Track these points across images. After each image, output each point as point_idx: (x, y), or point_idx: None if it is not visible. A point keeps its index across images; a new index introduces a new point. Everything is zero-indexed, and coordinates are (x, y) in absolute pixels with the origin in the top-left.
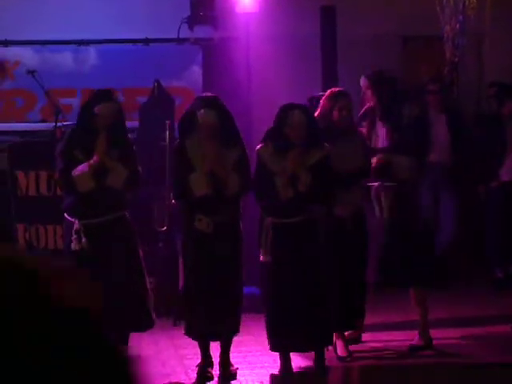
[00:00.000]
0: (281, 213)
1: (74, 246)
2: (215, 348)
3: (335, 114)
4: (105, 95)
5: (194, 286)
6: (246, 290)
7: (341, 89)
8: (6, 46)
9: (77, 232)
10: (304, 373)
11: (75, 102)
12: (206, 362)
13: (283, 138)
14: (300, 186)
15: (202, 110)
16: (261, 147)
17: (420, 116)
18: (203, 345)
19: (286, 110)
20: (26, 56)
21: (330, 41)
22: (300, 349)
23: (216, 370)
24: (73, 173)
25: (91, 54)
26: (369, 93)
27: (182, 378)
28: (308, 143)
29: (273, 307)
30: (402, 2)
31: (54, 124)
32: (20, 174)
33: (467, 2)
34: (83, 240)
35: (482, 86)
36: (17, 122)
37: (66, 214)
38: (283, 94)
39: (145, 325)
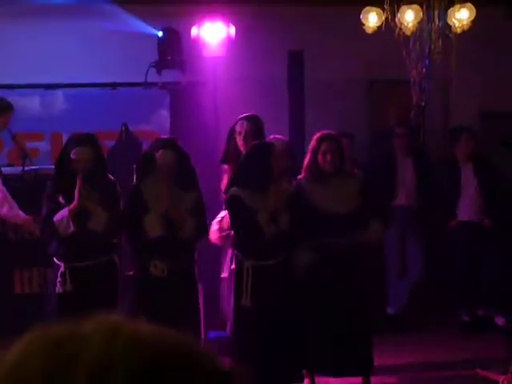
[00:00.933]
0: (263, 253)
1: (58, 288)
2: None
3: (319, 157)
4: (80, 140)
5: None
6: (212, 334)
7: (327, 132)
8: None
9: (62, 275)
10: None
11: (43, 146)
12: None
13: (263, 173)
14: (281, 224)
15: (161, 151)
16: (235, 190)
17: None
18: None
19: (268, 144)
20: None
21: (298, 84)
22: None
23: None
24: (54, 218)
25: (59, 98)
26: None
27: None
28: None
29: (248, 352)
30: (368, 47)
31: (21, 168)
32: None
33: (433, 47)
34: (68, 283)
35: (448, 130)
36: None
37: (54, 258)
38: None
39: None
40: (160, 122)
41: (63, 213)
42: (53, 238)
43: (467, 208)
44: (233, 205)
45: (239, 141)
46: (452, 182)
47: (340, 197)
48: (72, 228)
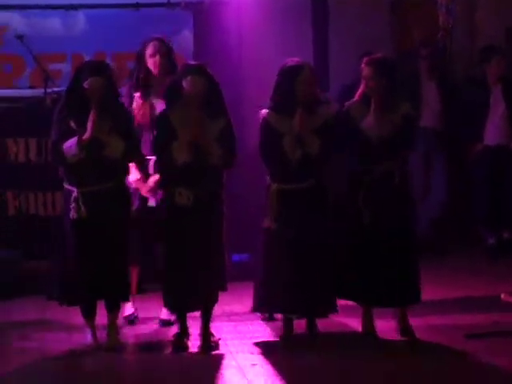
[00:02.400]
0: (289, 177)
1: (72, 214)
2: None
3: (364, 82)
4: (93, 69)
5: (173, 258)
6: (235, 257)
7: (374, 56)
8: None
9: (75, 200)
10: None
11: (65, 67)
12: (183, 332)
13: (289, 97)
14: (308, 148)
15: (189, 77)
16: (266, 111)
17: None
18: (180, 315)
19: (295, 67)
20: (14, 21)
21: (321, 4)
22: (291, 312)
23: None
24: (64, 145)
25: (80, 19)
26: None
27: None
28: (314, 103)
29: (267, 270)
30: None
31: (43, 90)
32: (9, 141)
33: None
34: (82, 208)
35: (474, 52)
36: (5, 88)
37: (64, 183)
38: (274, 57)
39: (121, 296)
40: (183, 43)
41: (73, 141)
42: (61, 164)
43: (494, 131)
44: (261, 127)
45: (153, 63)
46: (480, 104)
47: (382, 121)
48: (80, 156)
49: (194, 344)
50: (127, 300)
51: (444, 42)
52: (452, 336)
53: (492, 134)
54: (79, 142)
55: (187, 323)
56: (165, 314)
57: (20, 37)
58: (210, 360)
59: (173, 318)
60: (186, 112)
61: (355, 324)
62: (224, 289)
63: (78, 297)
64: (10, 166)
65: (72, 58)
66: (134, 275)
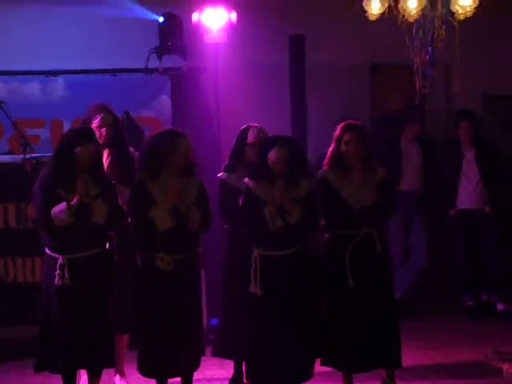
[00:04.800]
0: (269, 244)
1: (57, 281)
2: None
3: (342, 147)
4: (86, 136)
5: (151, 323)
6: (214, 321)
7: (351, 121)
8: None
9: (61, 267)
10: None
11: (44, 133)
12: None
13: (269, 169)
14: (288, 218)
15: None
16: (249, 178)
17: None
18: (160, 382)
19: (266, 146)
20: None
21: (299, 69)
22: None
23: None
24: (52, 211)
25: (59, 85)
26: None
27: None
28: (293, 175)
29: (257, 340)
30: (370, 31)
31: (21, 156)
32: None
33: (436, 34)
34: (66, 275)
35: (451, 116)
36: None
37: (47, 250)
38: (252, 121)
39: (105, 362)
40: (161, 108)
41: (61, 206)
42: (48, 230)
43: (467, 196)
44: (244, 195)
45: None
46: (454, 168)
47: (363, 189)
48: (69, 221)
49: None
50: (112, 367)
51: (421, 106)
52: None
53: (464, 199)
54: (69, 207)
55: None
56: (118, 381)
57: None
58: None
59: None
60: (164, 178)
61: None
62: (203, 353)
63: (59, 364)
64: None
65: (51, 123)
66: (123, 343)
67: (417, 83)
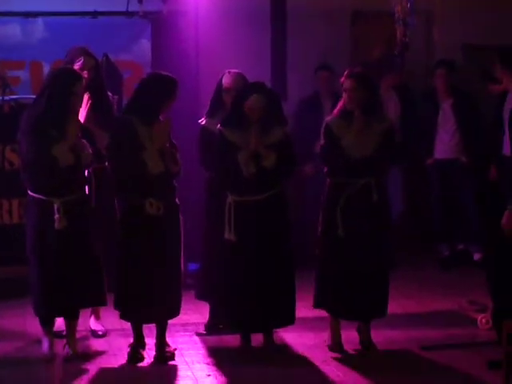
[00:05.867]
0: (243, 190)
1: (57, 225)
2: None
3: (344, 95)
4: (78, 75)
5: (130, 268)
6: (192, 266)
7: (354, 69)
8: None
9: (58, 211)
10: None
11: (23, 75)
12: (138, 342)
13: (243, 116)
14: (263, 162)
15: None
16: (222, 124)
17: None
18: (136, 326)
19: (244, 93)
20: None
21: (280, 14)
22: (255, 329)
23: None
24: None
25: (39, 26)
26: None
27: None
28: (268, 122)
29: (231, 285)
30: None
31: (0, 97)
32: None
33: None
34: (63, 219)
35: (431, 65)
36: None
37: (32, 193)
38: (232, 67)
39: (97, 301)
40: (141, 52)
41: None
42: (49, 167)
43: (443, 146)
44: (218, 141)
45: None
46: (431, 118)
47: (362, 138)
48: (72, 161)
49: (150, 354)
50: (104, 304)
51: (401, 55)
52: (408, 348)
53: (441, 149)
54: (63, 147)
55: (143, 333)
56: (93, 324)
57: None
58: (165, 371)
59: (103, 328)
60: (153, 122)
61: (310, 336)
62: (180, 301)
63: (38, 305)
64: None
65: (30, 65)
66: None
67: (397, 31)
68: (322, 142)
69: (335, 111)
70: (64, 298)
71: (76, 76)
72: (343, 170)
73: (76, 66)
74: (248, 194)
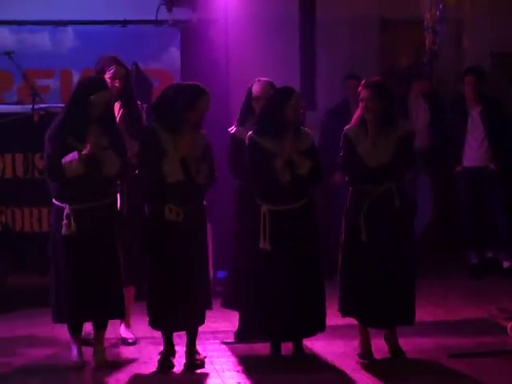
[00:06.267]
0: (278, 198)
1: (64, 231)
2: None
3: (361, 105)
4: (100, 84)
5: (159, 276)
6: (221, 274)
7: (371, 79)
8: None
9: (67, 217)
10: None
11: (53, 83)
12: (168, 350)
13: (280, 119)
14: (298, 170)
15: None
16: (253, 135)
17: None
18: (166, 334)
19: (286, 93)
20: (3, 37)
21: (309, 22)
22: (287, 338)
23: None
24: (63, 160)
25: (69, 35)
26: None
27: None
28: (299, 128)
29: (264, 293)
30: None
31: (31, 106)
32: None
33: None
34: (73, 225)
35: (460, 72)
36: None
37: (54, 200)
38: (261, 74)
39: (116, 314)
40: (170, 61)
41: (73, 156)
42: (56, 180)
43: (472, 153)
44: (251, 149)
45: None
46: (460, 126)
47: (378, 147)
48: (80, 171)
49: (180, 362)
50: (123, 317)
51: (430, 63)
52: (436, 356)
53: (469, 156)
54: (80, 156)
55: (173, 341)
56: (124, 331)
57: (8, 53)
58: (195, 379)
59: (133, 336)
60: (176, 130)
61: (340, 344)
62: (209, 307)
63: (65, 314)
64: None
65: (60, 74)
66: (130, 295)
67: (427, 39)
68: (341, 150)
69: (353, 120)
70: (85, 306)
71: (96, 84)
72: (361, 178)
73: (107, 75)
74: (283, 202)
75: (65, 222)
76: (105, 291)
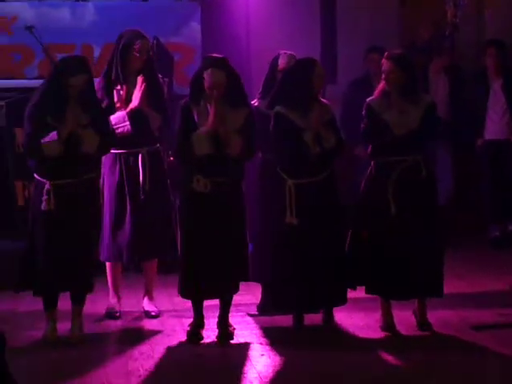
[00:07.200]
0: (305, 171)
1: (44, 206)
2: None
3: (383, 77)
4: (80, 66)
5: (191, 245)
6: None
7: (393, 51)
8: (4, 1)
9: (47, 192)
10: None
11: None
12: (198, 322)
13: (305, 91)
14: (325, 143)
15: (210, 70)
16: (280, 108)
17: None
18: (197, 305)
19: (309, 63)
20: (24, 11)
21: None
22: (309, 309)
23: (208, 331)
24: (42, 140)
25: (89, 10)
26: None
27: (181, 338)
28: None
29: (290, 267)
30: None
31: None
32: (18, 131)
33: None
34: (52, 200)
35: (481, 46)
36: (14, 78)
37: (35, 174)
38: (282, 47)
39: (83, 287)
40: (191, 35)
41: (52, 136)
42: (37, 157)
43: (493, 126)
44: (279, 123)
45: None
46: (482, 99)
47: (405, 115)
48: (59, 150)
49: (207, 335)
50: (91, 292)
51: (452, 37)
52: (460, 329)
53: (491, 129)
54: (59, 136)
55: (203, 313)
56: (147, 304)
57: (29, 28)
58: (219, 351)
59: (156, 309)
60: (206, 104)
61: (361, 316)
62: (246, 278)
63: (41, 287)
64: (19, 156)
65: (81, 48)
66: (153, 268)
67: (448, 12)
68: (364, 121)
69: (376, 92)
70: (55, 278)
71: (74, 66)
72: (389, 147)
73: (135, 49)
74: (308, 175)
75: (45, 197)
76: (74, 265)
